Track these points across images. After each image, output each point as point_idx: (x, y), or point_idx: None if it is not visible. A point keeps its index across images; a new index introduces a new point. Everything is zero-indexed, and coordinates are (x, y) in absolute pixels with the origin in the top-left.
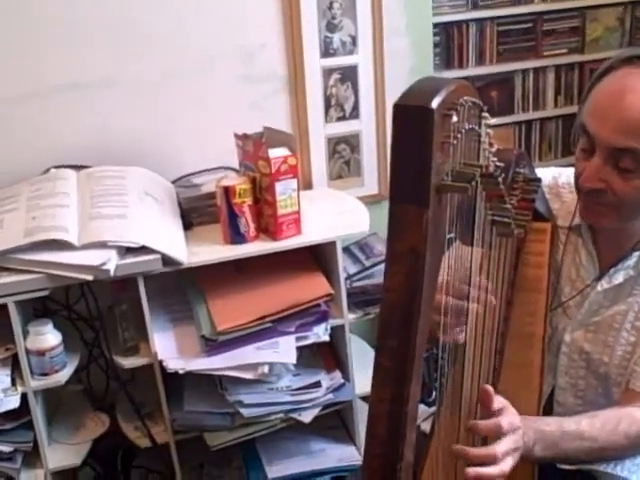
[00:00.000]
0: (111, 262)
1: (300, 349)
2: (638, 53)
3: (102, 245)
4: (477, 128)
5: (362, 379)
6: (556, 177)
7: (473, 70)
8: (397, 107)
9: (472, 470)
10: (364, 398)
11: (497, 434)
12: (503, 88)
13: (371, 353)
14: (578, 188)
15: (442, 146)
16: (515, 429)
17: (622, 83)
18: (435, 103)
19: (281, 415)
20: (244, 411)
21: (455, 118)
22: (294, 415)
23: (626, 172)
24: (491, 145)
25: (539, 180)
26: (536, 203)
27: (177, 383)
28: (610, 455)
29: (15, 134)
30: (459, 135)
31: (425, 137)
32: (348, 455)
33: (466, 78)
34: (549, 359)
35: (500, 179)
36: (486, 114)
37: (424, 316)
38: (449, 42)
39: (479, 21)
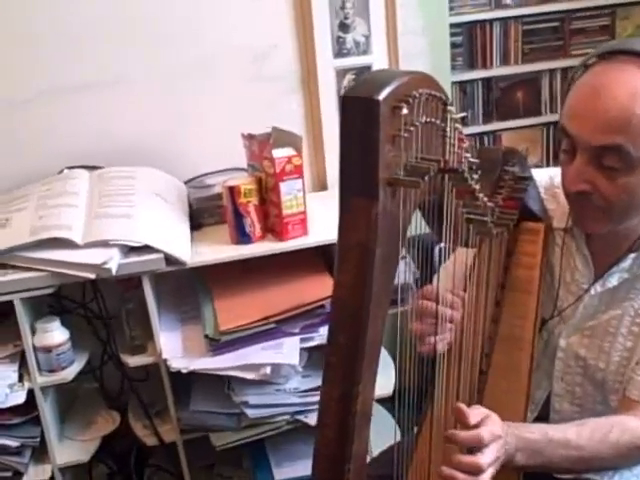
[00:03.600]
0: (113, 261)
1: (310, 350)
2: (610, 49)
3: (105, 244)
4: (439, 122)
5: None
6: (552, 177)
7: (498, 70)
8: (345, 99)
9: (447, 471)
10: (377, 400)
11: (478, 445)
12: (529, 89)
13: (383, 354)
14: (565, 193)
15: (393, 139)
16: (496, 438)
17: (597, 81)
18: (382, 95)
19: (287, 417)
20: (249, 412)
21: (405, 110)
22: (300, 417)
23: (611, 171)
24: (461, 140)
25: (529, 178)
26: (530, 203)
27: (188, 383)
28: (599, 465)
29: (30, 135)
30: (412, 128)
31: (372, 129)
32: None
33: (490, 79)
34: (545, 364)
35: (469, 175)
36: (451, 108)
37: (376, 312)
38: (472, 42)
39: (503, 20)
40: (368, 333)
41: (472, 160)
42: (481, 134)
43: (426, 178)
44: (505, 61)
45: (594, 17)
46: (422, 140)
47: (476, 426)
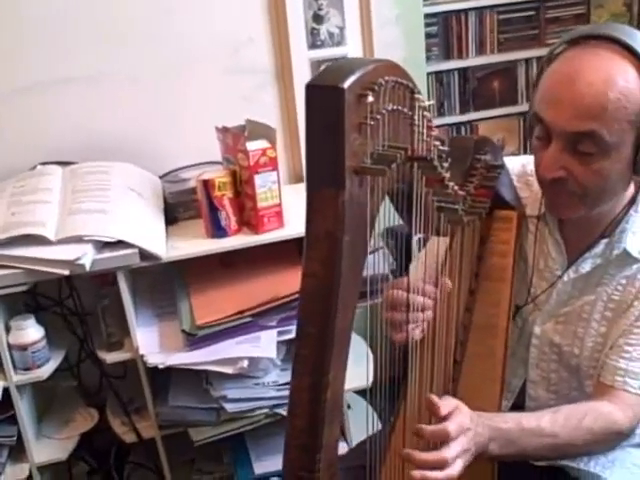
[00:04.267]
0: (87, 257)
1: (288, 343)
2: (582, 33)
3: (78, 240)
4: (407, 110)
5: (352, 373)
6: (525, 165)
7: (474, 60)
8: (309, 87)
9: (417, 473)
10: (358, 392)
11: (444, 440)
12: (505, 78)
13: (362, 346)
14: (540, 179)
15: (359, 127)
16: (465, 431)
17: (571, 67)
18: (347, 83)
19: (266, 410)
20: (228, 406)
21: (371, 98)
22: (279, 410)
23: (586, 156)
24: (430, 128)
25: (501, 167)
26: (502, 191)
27: (166, 378)
28: (574, 452)
29: (3, 131)
30: (378, 116)
31: (337, 117)
32: (339, 450)
33: (466, 69)
34: (520, 352)
35: (438, 163)
36: (419, 96)
37: (345, 301)
38: (447, 32)
39: (478, 9)
40: (337, 322)
41: (441, 148)
42: (458, 124)
43: (393, 166)
44: (481, 51)
45: (569, 6)
46: (389, 128)
47: (445, 418)
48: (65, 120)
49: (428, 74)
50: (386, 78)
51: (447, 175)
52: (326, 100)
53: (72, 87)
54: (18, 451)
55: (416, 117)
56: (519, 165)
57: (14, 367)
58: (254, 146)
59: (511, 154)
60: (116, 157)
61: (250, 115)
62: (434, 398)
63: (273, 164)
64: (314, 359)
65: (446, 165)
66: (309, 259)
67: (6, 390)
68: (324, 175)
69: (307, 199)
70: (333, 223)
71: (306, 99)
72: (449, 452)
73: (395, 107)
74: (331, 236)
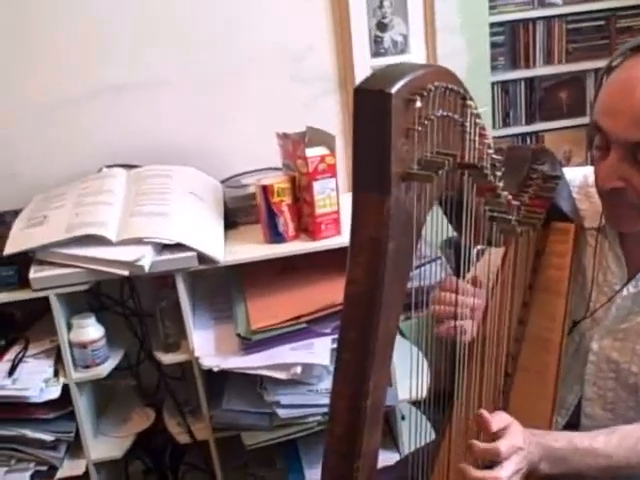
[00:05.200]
0: (146, 258)
1: None
2: None
3: (138, 241)
4: (458, 117)
5: (408, 384)
6: (587, 176)
7: (541, 70)
8: (357, 91)
9: None
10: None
11: (495, 459)
12: (573, 89)
13: (418, 357)
14: (598, 190)
15: (407, 132)
16: (517, 450)
17: (630, 74)
18: (395, 88)
19: (319, 418)
20: (281, 412)
21: (419, 104)
22: None
23: None
24: (483, 136)
25: (559, 178)
26: (560, 202)
27: (222, 381)
28: (628, 474)
29: (70, 134)
30: (427, 122)
31: (384, 122)
32: (390, 461)
33: (533, 78)
34: (577, 368)
35: (491, 172)
36: (471, 102)
37: (388, 308)
38: (515, 41)
39: (547, 19)
40: (380, 329)
41: (495, 157)
42: (524, 134)
43: (441, 173)
44: (548, 60)
45: None
46: (439, 134)
47: (497, 434)
48: (131, 124)
49: (494, 83)
50: (436, 84)
51: (500, 184)
52: (373, 104)
53: (137, 92)
54: (76, 447)
55: (467, 124)
56: (581, 176)
57: (74, 364)
58: (313, 153)
59: (577, 166)
60: (179, 161)
61: (311, 123)
62: (485, 414)
63: (332, 171)
64: (354, 366)
65: (499, 174)
66: (353, 265)
67: (66, 387)
68: (370, 180)
69: (352, 204)
70: (377, 229)
71: (354, 103)
72: (503, 472)
73: (445, 113)
74: (375, 242)
